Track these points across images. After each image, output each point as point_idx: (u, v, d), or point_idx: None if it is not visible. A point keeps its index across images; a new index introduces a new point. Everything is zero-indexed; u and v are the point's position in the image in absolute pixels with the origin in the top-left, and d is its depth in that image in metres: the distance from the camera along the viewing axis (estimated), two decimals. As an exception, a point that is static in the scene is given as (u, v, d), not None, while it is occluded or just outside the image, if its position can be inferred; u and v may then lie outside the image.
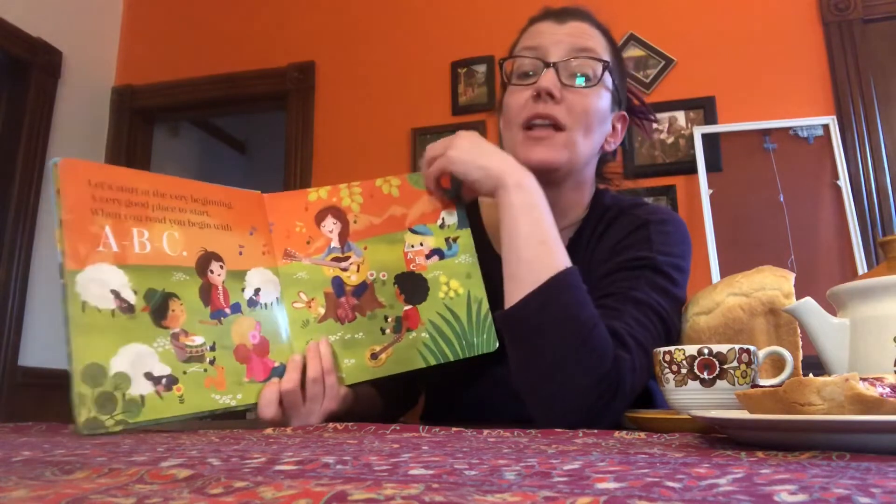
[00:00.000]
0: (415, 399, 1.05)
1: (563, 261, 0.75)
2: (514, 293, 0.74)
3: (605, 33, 0.94)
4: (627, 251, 0.85)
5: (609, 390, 0.71)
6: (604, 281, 0.83)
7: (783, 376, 0.68)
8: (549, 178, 0.87)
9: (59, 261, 0.65)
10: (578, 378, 0.70)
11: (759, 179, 2.36)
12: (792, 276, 0.81)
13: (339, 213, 0.82)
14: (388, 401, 0.95)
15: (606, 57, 0.90)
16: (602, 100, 0.89)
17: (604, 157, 0.99)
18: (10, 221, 2.65)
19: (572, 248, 0.93)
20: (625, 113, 0.96)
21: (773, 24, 2.50)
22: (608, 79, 0.90)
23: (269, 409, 0.72)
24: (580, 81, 0.87)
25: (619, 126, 0.96)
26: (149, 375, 0.66)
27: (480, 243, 0.96)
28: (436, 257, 0.83)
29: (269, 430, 0.64)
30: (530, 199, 0.77)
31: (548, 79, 0.86)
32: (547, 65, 0.87)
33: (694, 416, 0.49)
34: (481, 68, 2.76)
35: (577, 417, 0.69)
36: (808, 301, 0.69)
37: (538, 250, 0.75)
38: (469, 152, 0.79)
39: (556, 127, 0.87)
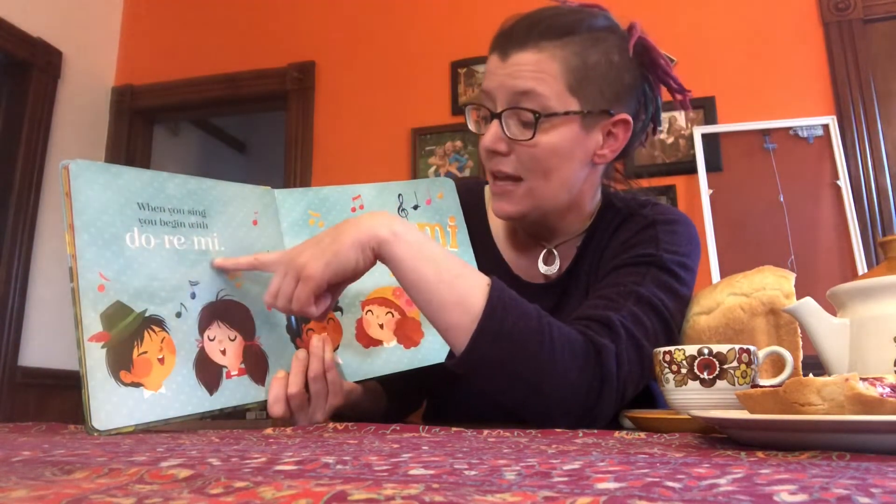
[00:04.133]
0: (419, 401, 1.05)
1: (481, 281, 0.71)
2: (459, 339, 0.69)
3: (569, 40, 0.81)
4: (634, 249, 0.85)
5: (595, 382, 0.70)
6: (609, 276, 0.84)
7: (783, 376, 0.68)
8: (526, 219, 0.88)
9: (69, 265, 0.65)
10: (558, 384, 0.69)
11: (759, 179, 2.36)
12: (792, 276, 0.81)
13: None
14: (393, 400, 0.95)
15: (559, 86, 0.81)
16: (557, 138, 0.82)
17: (621, 155, 0.92)
18: (10, 221, 2.65)
19: (581, 254, 0.93)
20: (623, 116, 0.85)
21: (773, 24, 2.50)
22: (566, 110, 0.81)
23: (277, 407, 0.72)
24: (523, 132, 0.81)
25: (616, 131, 0.86)
26: None
27: (483, 245, 0.96)
28: None
29: (269, 430, 0.64)
30: (412, 239, 0.71)
31: (489, 136, 0.83)
32: (493, 115, 0.83)
33: (694, 416, 0.49)
34: (481, 68, 2.75)
35: (573, 418, 0.70)
36: (808, 301, 0.69)
37: (455, 287, 0.70)
38: (319, 252, 0.70)
39: (513, 178, 0.84)
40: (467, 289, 0.70)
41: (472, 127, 0.90)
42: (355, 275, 0.72)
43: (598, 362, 0.71)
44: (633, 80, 0.87)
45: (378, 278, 0.83)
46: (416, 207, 0.90)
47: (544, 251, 0.94)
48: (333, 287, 0.74)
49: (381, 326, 0.82)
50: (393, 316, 0.83)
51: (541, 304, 0.73)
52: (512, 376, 0.70)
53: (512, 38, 0.83)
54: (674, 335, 0.82)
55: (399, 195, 0.89)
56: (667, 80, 0.90)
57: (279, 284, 0.71)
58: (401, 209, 0.89)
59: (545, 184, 0.84)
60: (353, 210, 0.85)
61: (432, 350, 0.83)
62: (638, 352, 0.74)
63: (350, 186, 0.86)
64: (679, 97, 0.90)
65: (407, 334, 0.83)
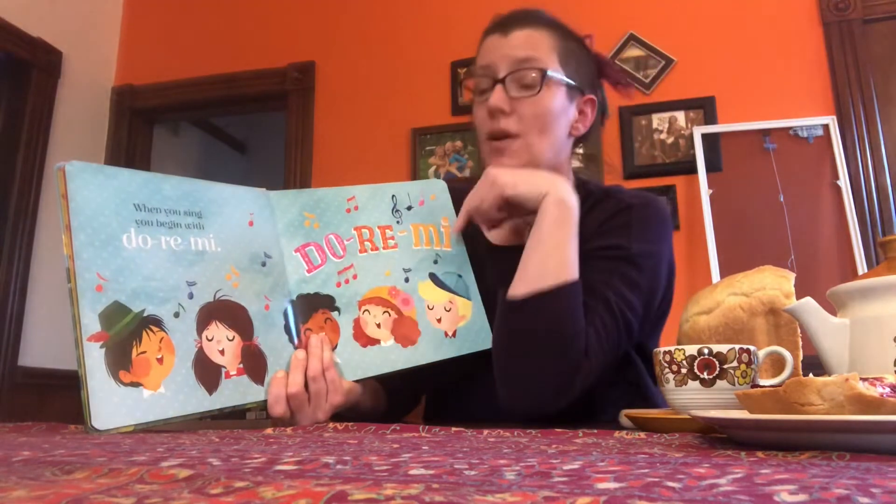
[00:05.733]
0: (418, 399, 1.06)
1: (570, 274, 0.82)
2: (521, 286, 0.81)
3: (555, 27, 0.97)
4: (607, 236, 0.91)
5: (562, 389, 0.80)
6: (584, 264, 0.86)
7: (783, 376, 0.68)
8: None
9: (66, 265, 0.65)
10: (542, 376, 0.79)
11: (759, 179, 2.36)
12: (792, 276, 0.81)
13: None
14: (392, 399, 0.96)
15: (553, 57, 0.95)
16: (553, 99, 0.94)
17: (580, 139, 1.03)
18: (10, 221, 2.65)
19: None
20: (591, 96, 0.99)
21: (773, 24, 2.50)
22: (559, 76, 0.94)
23: (278, 407, 0.73)
24: (526, 91, 0.93)
25: (587, 109, 1.00)
26: None
27: (476, 231, 0.97)
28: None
29: (269, 430, 0.64)
30: (567, 215, 0.84)
31: (496, 97, 0.93)
32: (496, 81, 0.93)
33: (694, 416, 0.49)
34: (481, 68, 2.75)
35: (527, 403, 0.80)
36: (808, 301, 0.69)
37: (556, 260, 0.82)
38: (516, 175, 0.86)
39: (510, 136, 0.93)
40: (561, 267, 0.81)
41: (466, 97, 1.01)
42: (526, 205, 0.85)
43: (573, 376, 0.80)
44: (594, 72, 1.02)
45: (374, 279, 0.84)
46: (409, 208, 0.90)
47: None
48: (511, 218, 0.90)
49: (379, 326, 0.82)
50: (390, 315, 0.83)
51: (514, 265, 0.84)
52: (521, 345, 0.81)
53: (510, 20, 0.97)
54: (633, 333, 0.89)
55: (393, 196, 0.90)
56: (621, 77, 1.07)
57: (476, 187, 0.87)
58: (394, 210, 0.89)
59: (540, 140, 0.94)
60: (348, 211, 0.86)
61: (429, 349, 0.83)
62: (605, 356, 0.83)
63: (344, 188, 0.87)
64: (622, 87, 1.06)
65: (404, 333, 0.83)
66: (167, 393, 0.67)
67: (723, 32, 2.54)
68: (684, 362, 0.64)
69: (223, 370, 0.72)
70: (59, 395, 2.64)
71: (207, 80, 3.13)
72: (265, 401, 0.73)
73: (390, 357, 0.81)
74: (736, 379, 0.63)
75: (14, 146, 2.71)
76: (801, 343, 0.78)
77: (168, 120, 3.49)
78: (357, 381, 0.79)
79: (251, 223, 0.79)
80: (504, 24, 0.97)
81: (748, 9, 2.53)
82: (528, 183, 0.84)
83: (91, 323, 0.64)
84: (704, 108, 2.50)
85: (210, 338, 0.72)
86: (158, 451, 0.42)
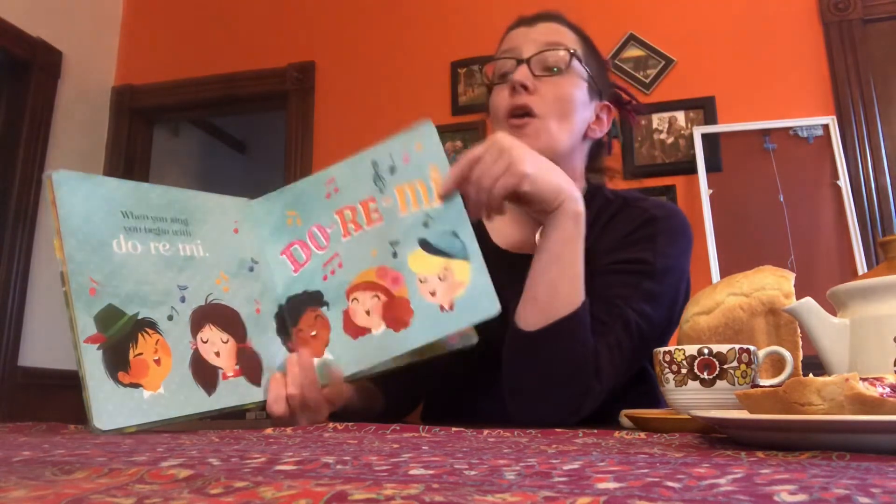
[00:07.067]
0: (416, 401, 1.06)
1: (580, 296, 0.80)
2: (531, 314, 0.79)
3: (577, 31, 1.00)
4: (632, 248, 0.89)
5: (571, 411, 0.79)
6: (605, 278, 0.85)
7: (783, 376, 0.68)
8: None
9: (60, 269, 0.66)
10: (551, 400, 0.78)
11: (759, 179, 2.36)
12: (792, 276, 0.81)
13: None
14: (390, 400, 0.95)
15: (577, 48, 0.96)
16: (575, 87, 0.95)
17: (596, 150, 1.03)
18: (10, 221, 2.65)
19: None
20: (609, 103, 1.01)
21: (773, 24, 2.50)
22: (580, 68, 0.95)
23: (277, 407, 0.73)
24: (550, 71, 0.94)
25: (603, 116, 1.00)
26: None
27: (478, 235, 0.95)
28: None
29: (269, 430, 0.64)
30: (579, 231, 0.80)
31: (520, 73, 0.93)
32: (520, 62, 0.94)
33: (694, 416, 0.49)
34: (481, 68, 2.76)
35: (536, 423, 0.76)
36: (808, 301, 0.68)
37: (568, 284, 0.79)
38: (539, 166, 0.77)
39: (531, 115, 0.93)
40: (572, 291, 0.79)
41: (486, 80, 1.02)
42: (538, 206, 0.78)
43: (582, 400, 0.79)
44: (606, 85, 1.02)
45: (359, 262, 0.79)
46: (392, 170, 0.83)
47: (541, 228, 0.95)
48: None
49: (368, 313, 0.77)
50: (379, 299, 0.77)
51: (523, 274, 0.81)
52: (530, 370, 0.79)
53: (537, 15, 1.00)
54: (650, 349, 0.83)
55: (373, 162, 0.84)
56: (632, 103, 1.07)
57: (485, 157, 0.76)
58: (377, 178, 0.83)
59: (559, 126, 0.93)
60: (328, 196, 0.83)
61: (424, 328, 0.75)
62: (617, 378, 0.82)
63: (323, 171, 0.85)
64: (629, 112, 1.08)
65: (395, 316, 0.76)
66: (167, 394, 0.67)
67: (723, 32, 2.54)
68: (684, 362, 0.64)
69: (220, 371, 0.72)
70: (59, 395, 2.63)
71: (207, 80, 3.13)
72: (264, 401, 0.73)
73: (384, 344, 0.76)
74: (736, 379, 0.62)
75: (14, 146, 2.71)
76: (801, 343, 0.78)
77: (168, 120, 3.49)
78: (352, 383, 0.78)
79: (236, 230, 0.80)
80: (530, 19, 1.00)
81: (748, 9, 2.53)
82: (548, 182, 0.77)
83: (87, 325, 0.65)
84: (704, 108, 2.50)
85: (205, 340, 0.72)
86: (158, 451, 0.42)
